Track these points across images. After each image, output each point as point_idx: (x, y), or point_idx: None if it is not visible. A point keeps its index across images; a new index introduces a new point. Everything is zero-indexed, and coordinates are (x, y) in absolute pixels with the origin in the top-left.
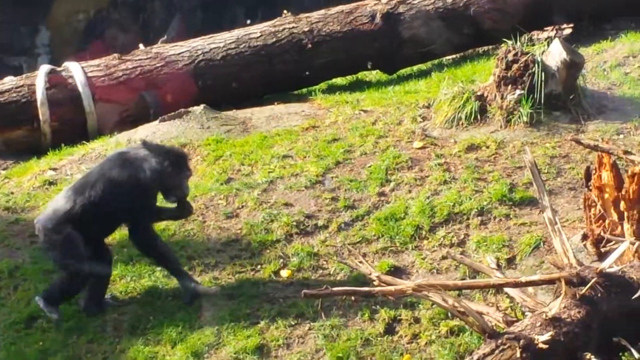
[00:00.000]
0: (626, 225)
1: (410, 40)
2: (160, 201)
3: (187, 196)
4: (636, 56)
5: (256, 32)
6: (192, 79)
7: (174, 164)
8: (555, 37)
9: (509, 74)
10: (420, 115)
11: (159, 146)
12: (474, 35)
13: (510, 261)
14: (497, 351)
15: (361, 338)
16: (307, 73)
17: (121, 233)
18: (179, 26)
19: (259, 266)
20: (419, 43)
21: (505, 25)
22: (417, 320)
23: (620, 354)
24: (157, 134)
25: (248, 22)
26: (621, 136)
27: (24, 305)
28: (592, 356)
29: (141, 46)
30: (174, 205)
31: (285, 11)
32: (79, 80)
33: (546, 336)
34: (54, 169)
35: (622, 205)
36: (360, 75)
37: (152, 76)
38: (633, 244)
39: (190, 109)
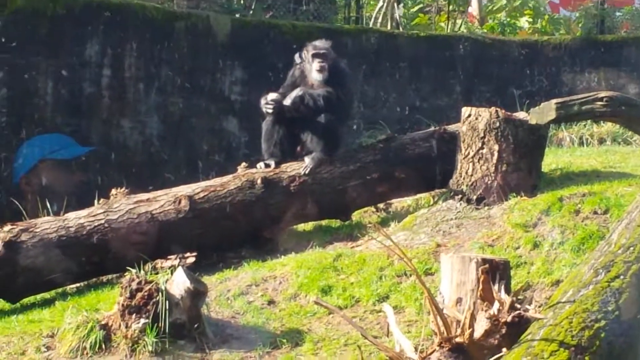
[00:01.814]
0: None
1: (32, 268)
2: None
3: None
4: (259, 285)
5: None
6: None
7: None
8: (179, 265)
9: (133, 303)
10: (44, 345)
11: None
12: (98, 263)
13: None
14: None
15: None
16: None
17: None
18: None
19: None
20: (41, 271)
21: (130, 254)
22: None
23: None
24: None
25: None
26: None
27: None
28: None
29: None
30: None
31: None
32: None
33: None
34: None
35: None
36: None
37: None
38: None
39: None
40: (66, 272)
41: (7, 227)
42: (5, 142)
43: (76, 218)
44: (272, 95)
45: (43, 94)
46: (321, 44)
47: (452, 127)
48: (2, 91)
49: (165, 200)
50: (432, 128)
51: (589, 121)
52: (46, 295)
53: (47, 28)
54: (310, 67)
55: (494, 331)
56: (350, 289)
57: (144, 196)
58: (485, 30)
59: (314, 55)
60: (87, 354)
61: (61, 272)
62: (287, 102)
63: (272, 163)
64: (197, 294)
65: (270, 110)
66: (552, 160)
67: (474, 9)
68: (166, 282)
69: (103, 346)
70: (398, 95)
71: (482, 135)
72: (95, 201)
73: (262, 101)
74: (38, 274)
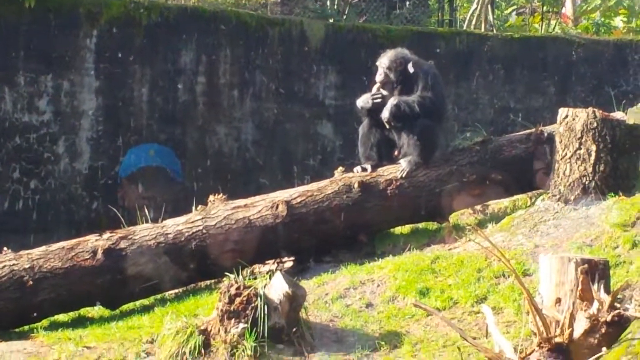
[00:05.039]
0: None
1: (134, 276)
2: None
3: None
4: (357, 288)
5: None
6: None
7: None
8: (277, 270)
9: (232, 308)
10: (144, 351)
11: None
12: (197, 269)
13: None
14: None
15: None
16: (29, 311)
17: None
18: None
19: None
20: (144, 278)
21: (228, 259)
22: None
23: None
24: None
25: None
26: None
27: None
28: None
29: None
30: None
31: (5, 248)
32: None
33: None
34: None
35: None
36: (83, 311)
37: None
38: None
39: None
40: (171, 279)
41: (106, 235)
42: (102, 150)
43: (174, 225)
44: (376, 87)
45: (139, 102)
46: (385, 57)
47: (548, 128)
48: (99, 100)
49: (262, 206)
50: (529, 130)
51: None
52: (145, 301)
53: (142, 36)
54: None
55: (593, 331)
56: (448, 290)
57: (241, 202)
58: (579, 31)
59: (376, 67)
60: (186, 359)
61: (166, 278)
62: (385, 114)
63: (369, 167)
64: (296, 298)
65: (378, 100)
66: None
67: (567, 9)
68: (264, 286)
69: (202, 351)
70: (492, 97)
71: (579, 135)
72: (193, 208)
73: (364, 98)
74: (142, 281)
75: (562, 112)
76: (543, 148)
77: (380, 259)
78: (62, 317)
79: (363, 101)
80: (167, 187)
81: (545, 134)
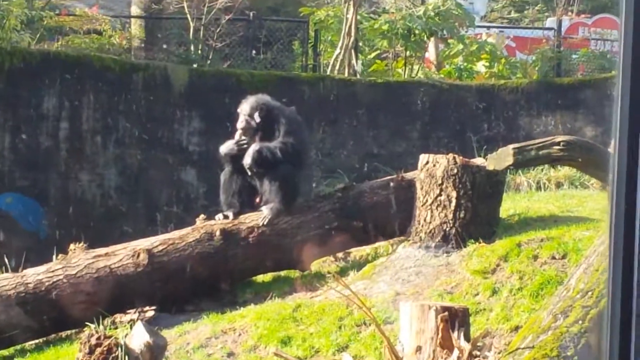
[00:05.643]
0: None
1: None
2: None
3: None
4: (218, 337)
5: None
6: None
7: None
8: (138, 319)
9: (92, 358)
10: None
11: None
12: (57, 319)
13: None
14: None
15: None
16: None
17: None
18: None
19: None
20: (2, 330)
21: (89, 309)
22: None
23: None
24: None
25: None
26: None
27: None
28: None
29: None
30: None
31: None
32: None
33: None
34: None
35: None
36: None
37: None
38: None
39: None
40: (26, 330)
41: None
42: None
43: (35, 274)
44: (238, 134)
45: (0, 148)
46: (246, 104)
47: (409, 175)
48: None
49: (124, 255)
50: (390, 176)
51: (546, 165)
52: (4, 352)
53: (3, 82)
54: None
55: None
56: (309, 339)
57: (102, 251)
58: (442, 76)
59: (238, 114)
60: None
61: (21, 329)
62: (247, 160)
63: (231, 214)
64: (157, 347)
65: (244, 146)
66: (510, 206)
67: (430, 54)
68: (125, 336)
69: None
70: (356, 143)
71: (440, 182)
72: (54, 256)
73: (228, 145)
74: None
75: (422, 158)
76: (388, 197)
77: (242, 308)
78: None
79: (227, 148)
80: (28, 236)
81: (391, 185)
